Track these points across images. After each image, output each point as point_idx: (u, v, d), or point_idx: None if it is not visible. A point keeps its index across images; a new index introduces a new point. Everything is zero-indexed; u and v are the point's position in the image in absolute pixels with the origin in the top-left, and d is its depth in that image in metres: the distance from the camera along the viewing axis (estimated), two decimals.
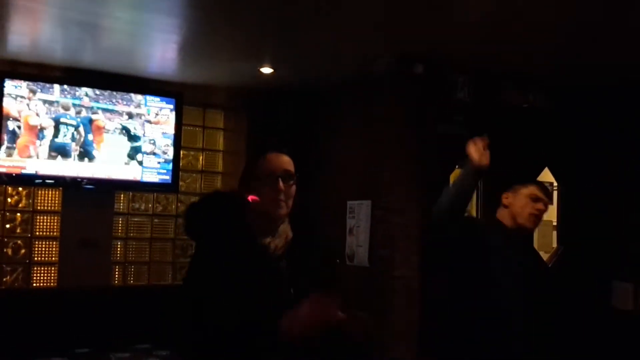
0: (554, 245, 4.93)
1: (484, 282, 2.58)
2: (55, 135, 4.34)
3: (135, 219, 4.96)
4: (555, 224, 4.98)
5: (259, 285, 1.79)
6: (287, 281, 1.86)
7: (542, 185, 2.81)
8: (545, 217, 5.03)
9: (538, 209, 2.66)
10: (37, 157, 4.29)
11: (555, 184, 5.02)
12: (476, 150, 2.42)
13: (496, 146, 4.33)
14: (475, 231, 2.67)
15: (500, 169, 4.37)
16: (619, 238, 4.66)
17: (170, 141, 4.74)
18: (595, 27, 3.38)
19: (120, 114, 4.56)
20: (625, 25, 3.33)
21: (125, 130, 4.58)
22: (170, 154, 4.74)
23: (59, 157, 4.35)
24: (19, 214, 4.52)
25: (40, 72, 4.43)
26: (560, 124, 4.67)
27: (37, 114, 4.29)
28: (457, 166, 4.47)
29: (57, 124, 4.35)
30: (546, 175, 4.92)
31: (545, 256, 4.80)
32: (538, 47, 3.75)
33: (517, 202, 2.70)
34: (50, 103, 4.33)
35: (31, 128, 4.28)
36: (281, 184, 1.85)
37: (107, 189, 4.64)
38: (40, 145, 4.30)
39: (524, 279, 2.73)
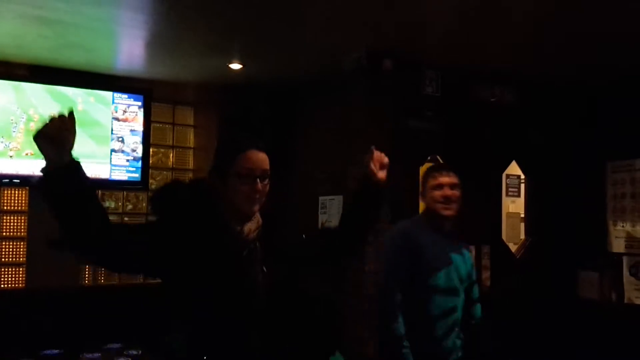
0: (522, 236, 5.03)
1: (422, 279, 2.65)
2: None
3: None
4: (522, 216, 5.08)
5: (229, 267, 1.84)
6: (260, 261, 1.90)
7: (444, 170, 2.79)
8: (513, 209, 5.18)
9: (443, 196, 2.70)
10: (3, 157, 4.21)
11: (522, 177, 5.12)
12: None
13: (465, 140, 4.43)
14: (407, 238, 2.73)
15: (469, 163, 4.46)
16: (585, 229, 4.77)
17: (139, 138, 4.69)
18: (561, 25, 3.44)
19: None
20: (589, 24, 3.40)
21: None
22: (139, 152, 4.69)
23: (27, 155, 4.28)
24: None
25: (5, 70, 4.34)
26: (527, 118, 4.75)
27: None
28: (428, 157, 4.52)
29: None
30: (513, 169, 5.01)
31: (513, 247, 4.88)
32: (505, 43, 3.81)
33: (427, 196, 2.76)
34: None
35: None
36: (259, 184, 1.87)
37: None
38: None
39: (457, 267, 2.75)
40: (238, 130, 4.77)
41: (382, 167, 2.13)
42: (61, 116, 1.64)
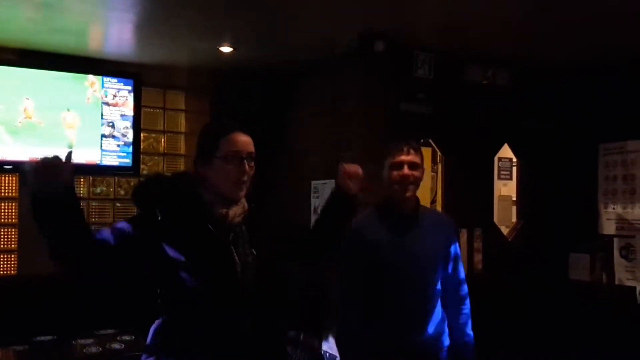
0: (514, 219, 5.05)
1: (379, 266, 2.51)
2: None
3: (97, 204, 4.87)
4: (514, 199, 5.10)
5: (216, 252, 1.84)
6: (248, 244, 1.91)
7: (405, 147, 2.51)
8: (505, 192, 5.20)
9: (400, 175, 2.46)
10: None
11: (514, 160, 5.13)
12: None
13: (457, 123, 4.43)
14: (362, 232, 2.54)
15: (461, 146, 4.46)
16: (576, 212, 4.80)
17: (129, 123, 4.65)
18: (553, 7, 3.43)
19: None
20: (581, 5, 3.38)
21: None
22: (129, 137, 4.65)
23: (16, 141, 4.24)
24: None
25: None
26: (519, 100, 4.75)
27: None
28: (421, 140, 4.52)
29: None
30: (506, 152, 5.02)
31: (505, 230, 4.91)
32: (498, 25, 3.79)
33: (384, 176, 2.53)
34: None
35: None
36: (247, 165, 1.86)
37: None
38: None
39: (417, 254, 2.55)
40: (220, 117, 4.75)
41: (354, 179, 2.08)
42: (57, 160, 1.62)
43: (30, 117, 4.31)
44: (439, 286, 2.59)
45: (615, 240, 4.58)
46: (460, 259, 2.70)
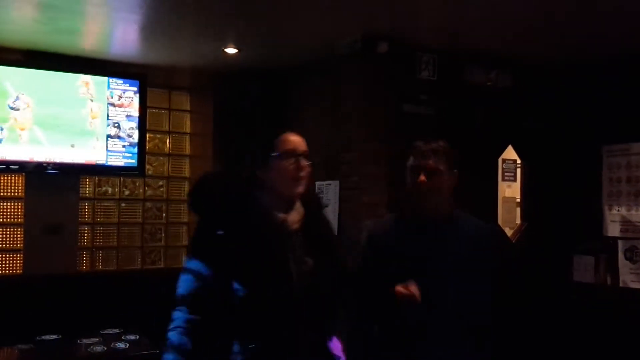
0: (518, 221, 5.04)
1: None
2: None
3: (102, 204, 4.91)
4: (518, 200, 5.09)
5: (274, 258, 1.88)
6: (305, 253, 1.95)
7: (419, 151, 2.28)
8: (509, 194, 5.19)
9: (420, 181, 2.19)
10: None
11: (518, 161, 5.12)
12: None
13: (460, 124, 4.43)
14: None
15: (465, 147, 4.46)
16: (580, 213, 4.78)
17: (135, 124, 4.68)
18: (557, 7, 3.43)
19: None
20: (584, 5, 3.39)
21: None
22: (135, 137, 4.68)
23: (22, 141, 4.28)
24: None
25: None
26: (523, 102, 4.74)
27: None
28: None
29: None
30: (510, 153, 5.02)
31: (509, 232, 4.90)
32: (500, 26, 3.79)
33: (407, 181, 2.28)
34: None
35: None
36: (304, 161, 1.94)
37: (71, 174, 4.57)
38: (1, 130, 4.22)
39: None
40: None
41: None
42: None
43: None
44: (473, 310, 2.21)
45: (620, 242, 4.56)
46: (500, 280, 2.34)
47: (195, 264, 1.94)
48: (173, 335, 1.93)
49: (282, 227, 1.92)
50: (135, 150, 4.69)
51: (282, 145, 1.94)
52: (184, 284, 1.97)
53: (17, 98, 4.26)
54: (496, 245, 2.37)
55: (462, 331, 2.18)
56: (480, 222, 2.39)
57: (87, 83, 4.50)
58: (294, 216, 1.95)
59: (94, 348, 3.72)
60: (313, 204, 2.06)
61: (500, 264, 2.30)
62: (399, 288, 1.97)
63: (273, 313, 1.87)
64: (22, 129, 4.29)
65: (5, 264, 4.47)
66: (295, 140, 1.98)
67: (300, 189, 1.95)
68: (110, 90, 4.59)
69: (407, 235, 2.23)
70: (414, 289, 1.96)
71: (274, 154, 1.93)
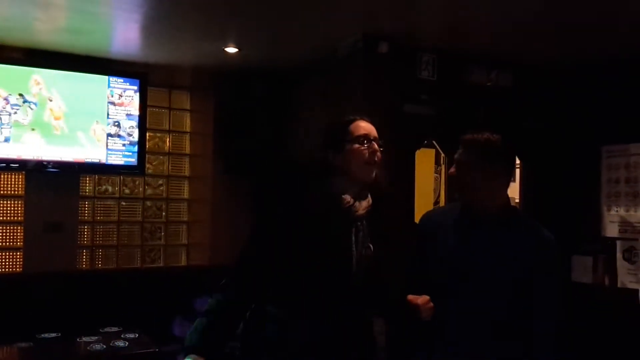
0: None
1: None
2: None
3: (102, 203, 4.91)
4: (517, 201, 5.10)
5: (337, 238, 1.95)
6: (367, 238, 2.01)
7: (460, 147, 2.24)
8: (508, 194, 5.20)
9: (449, 173, 2.29)
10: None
11: (517, 162, 5.13)
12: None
13: (460, 124, 4.43)
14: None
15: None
16: (579, 214, 4.80)
17: (135, 123, 4.69)
18: (557, 8, 3.44)
19: None
20: (584, 6, 3.40)
21: None
22: (135, 136, 4.69)
23: (22, 139, 4.28)
24: None
25: (0, 54, 4.33)
26: (522, 102, 4.75)
27: None
28: (424, 142, 4.53)
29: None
30: None
31: None
32: (501, 26, 3.80)
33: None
34: None
35: None
36: (376, 145, 2.01)
37: (71, 172, 4.58)
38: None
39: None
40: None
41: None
42: None
43: None
44: (509, 318, 2.13)
45: (618, 242, 4.57)
46: (549, 295, 2.24)
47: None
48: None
49: (349, 211, 1.97)
50: (135, 149, 4.69)
51: (356, 130, 2.00)
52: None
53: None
54: (544, 253, 2.20)
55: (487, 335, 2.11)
56: (540, 231, 2.24)
57: (37, 82, 4.36)
58: (362, 203, 2.01)
59: (94, 346, 3.73)
60: (383, 194, 2.12)
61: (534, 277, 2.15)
62: (411, 297, 2.02)
63: (329, 292, 1.93)
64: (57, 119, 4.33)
65: (5, 262, 4.47)
66: (367, 125, 2.04)
67: (373, 174, 2.00)
68: (111, 89, 4.60)
69: (458, 226, 2.16)
70: (422, 301, 1.99)
71: (348, 139, 1.98)
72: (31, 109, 4.31)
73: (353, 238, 1.97)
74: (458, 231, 2.14)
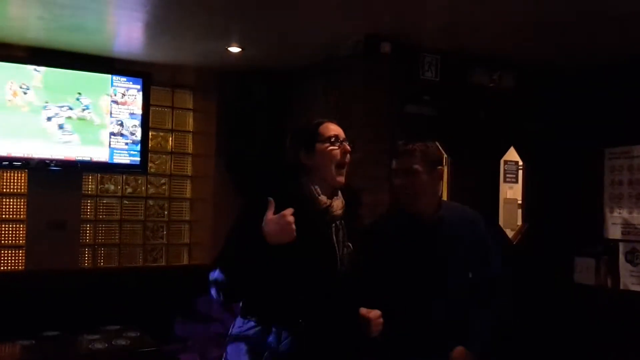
0: (519, 222, 5.05)
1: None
2: None
3: (105, 201, 4.92)
4: (520, 202, 5.10)
5: (317, 240, 1.98)
6: (345, 237, 2.05)
7: (402, 152, 2.33)
8: (511, 195, 5.20)
9: (397, 185, 2.30)
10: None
11: (520, 163, 5.13)
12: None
13: (463, 125, 4.44)
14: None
15: (467, 149, 4.47)
16: (581, 216, 4.79)
17: (138, 122, 4.70)
18: (558, 8, 3.43)
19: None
20: (587, 10, 3.39)
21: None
22: (138, 135, 4.70)
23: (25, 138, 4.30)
24: None
25: (4, 52, 4.33)
26: (525, 103, 4.75)
27: None
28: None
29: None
30: (512, 155, 5.02)
31: (510, 233, 4.91)
32: (503, 27, 3.80)
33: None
34: None
35: None
36: (347, 145, 2.05)
37: (74, 171, 4.59)
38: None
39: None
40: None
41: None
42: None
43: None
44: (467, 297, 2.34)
45: (621, 244, 4.57)
46: (492, 253, 2.45)
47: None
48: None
49: (327, 211, 2.01)
50: (138, 148, 4.70)
51: (326, 131, 2.04)
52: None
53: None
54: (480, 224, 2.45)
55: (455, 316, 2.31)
56: (463, 209, 2.50)
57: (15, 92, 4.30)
58: (338, 202, 2.05)
59: (95, 344, 3.74)
60: (352, 195, 2.15)
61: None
62: (363, 311, 2.04)
63: (317, 291, 1.95)
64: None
65: (8, 260, 4.48)
66: (336, 128, 2.08)
67: (342, 178, 2.04)
68: (114, 87, 4.60)
69: (398, 234, 2.32)
70: (373, 315, 2.02)
71: (319, 140, 2.02)
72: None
73: (334, 238, 2.02)
74: (411, 236, 2.30)
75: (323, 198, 2.02)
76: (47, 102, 4.36)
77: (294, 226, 1.84)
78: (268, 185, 2.06)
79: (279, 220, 1.84)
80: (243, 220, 2.00)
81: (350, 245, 2.06)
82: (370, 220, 2.45)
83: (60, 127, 4.41)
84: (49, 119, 4.37)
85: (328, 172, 2.02)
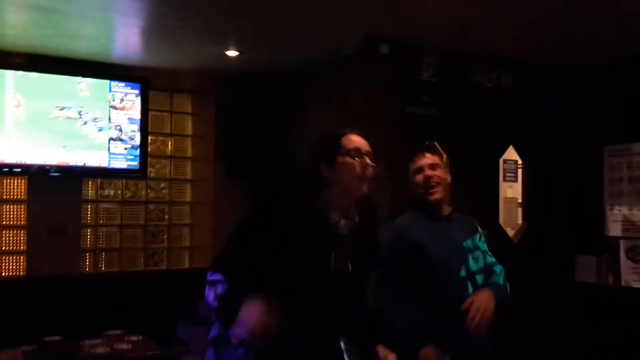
0: (519, 221, 5.04)
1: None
2: None
3: (105, 206, 4.92)
4: (520, 201, 5.09)
5: (316, 258, 1.90)
6: (347, 258, 1.97)
7: (423, 151, 2.61)
8: (511, 194, 5.20)
9: (423, 178, 2.53)
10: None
11: (520, 162, 5.13)
12: None
13: (462, 125, 4.44)
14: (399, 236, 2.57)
15: (466, 148, 4.47)
16: (582, 213, 4.79)
17: (137, 127, 4.70)
18: (556, 8, 3.44)
19: None
20: (586, 6, 3.40)
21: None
22: (137, 140, 4.70)
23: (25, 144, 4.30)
24: None
25: (2, 59, 4.34)
26: (524, 102, 4.75)
27: None
28: (426, 143, 4.52)
29: None
30: (511, 154, 5.02)
31: (511, 232, 4.91)
32: (502, 28, 3.80)
33: (411, 184, 2.61)
34: None
35: None
36: (368, 159, 1.98)
37: (73, 176, 4.59)
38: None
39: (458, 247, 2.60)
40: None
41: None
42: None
43: None
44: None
45: (622, 241, 4.57)
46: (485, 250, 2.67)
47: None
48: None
49: (332, 229, 1.95)
50: (137, 152, 4.71)
51: (348, 143, 1.98)
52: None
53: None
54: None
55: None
56: (469, 217, 2.75)
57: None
58: (347, 221, 1.99)
59: (97, 349, 3.72)
60: (369, 213, 2.10)
61: None
62: (382, 352, 2.03)
63: (303, 309, 1.87)
64: None
65: (9, 266, 4.48)
66: (359, 139, 2.02)
67: (365, 188, 1.97)
68: (112, 93, 4.61)
69: (428, 226, 2.54)
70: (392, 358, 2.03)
71: (341, 152, 1.96)
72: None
73: (332, 257, 1.94)
74: (436, 229, 2.53)
75: (333, 215, 1.95)
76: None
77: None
78: (278, 195, 2.02)
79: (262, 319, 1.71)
80: (251, 232, 1.94)
81: (350, 266, 1.97)
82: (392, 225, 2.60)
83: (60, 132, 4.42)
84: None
85: (348, 184, 1.95)
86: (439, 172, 2.54)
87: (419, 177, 2.54)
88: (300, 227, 1.88)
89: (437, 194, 2.53)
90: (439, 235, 2.52)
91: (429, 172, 2.53)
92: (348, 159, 1.95)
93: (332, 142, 2.00)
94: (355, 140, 2.00)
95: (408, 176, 2.63)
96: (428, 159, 2.56)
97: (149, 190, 5.09)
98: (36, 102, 4.36)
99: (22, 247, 4.53)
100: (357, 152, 1.97)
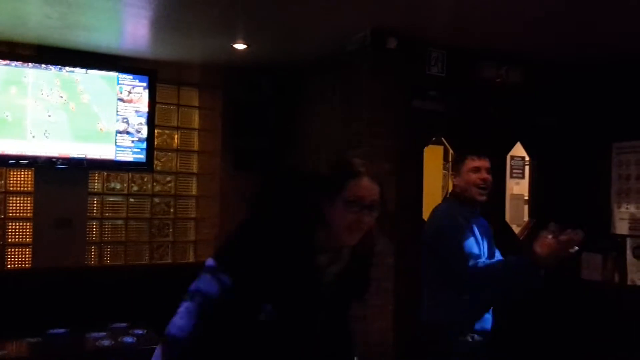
0: (525, 218, 5.03)
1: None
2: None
3: (111, 199, 4.92)
4: (526, 197, 5.08)
5: (296, 302, 1.78)
6: (326, 303, 1.87)
7: (482, 154, 2.88)
8: (517, 191, 5.18)
9: (481, 179, 2.79)
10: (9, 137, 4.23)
11: (527, 158, 5.11)
12: (547, 245, 2.47)
13: (469, 121, 4.42)
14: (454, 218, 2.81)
15: (473, 144, 4.45)
16: (588, 211, 4.77)
17: (144, 120, 4.69)
18: (567, 2, 3.42)
19: None
20: (595, 4, 3.37)
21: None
22: (144, 133, 4.70)
23: (32, 136, 4.30)
24: None
25: (11, 51, 4.34)
26: (532, 98, 4.73)
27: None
28: (433, 138, 4.51)
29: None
30: (518, 150, 5.00)
31: (517, 229, 4.89)
32: (510, 22, 3.78)
33: (463, 178, 2.83)
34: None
35: None
36: (366, 215, 1.80)
37: (80, 169, 4.60)
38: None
39: (492, 247, 2.87)
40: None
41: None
42: None
43: None
44: None
45: (628, 240, 4.55)
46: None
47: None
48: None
49: (318, 270, 1.82)
50: (144, 145, 4.70)
51: (352, 189, 1.78)
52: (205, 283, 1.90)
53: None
54: None
55: None
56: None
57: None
58: (335, 267, 1.86)
59: (102, 342, 3.73)
60: (362, 258, 1.93)
61: None
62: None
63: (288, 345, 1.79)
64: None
65: (15, 257, 4.49)
66: (368, 188, 1.80)
67: (352, 241, 1.82)
68: (120, 85, 4.61)
69: (469, 218, 2.83)
70: None
71: (342, 195, 1.78)
72: None
73: (315, 305, 1.83)
74: (475, 223, 2.84)
75: (322, 259, 1.81)
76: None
77: None
78: (278, 221, 1.83)
79: None
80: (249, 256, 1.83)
81: (325, 314, 1.86)
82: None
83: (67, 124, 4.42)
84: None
85: (337, 233, 1.80)
86: (490, 177, 2.82)
87: (476, 177, 2.77)
88: (284, 273, 1.76)
89: (486, 196, 2.82)
90: (478, 227, 2.84)
91: (486, 175, 2.78)
92: (344, 207, 1.77)
93: (338, 181, 1.81)
94: (362, 187, 1.79)
95: (459, 171, 2.84)
96: (486, 162, 2.81)
97: (154, 184, 5.09)
98: (44, 94, 4.36)
99: (28, 239, 4.53)
100: (358, 202, 1.77)
